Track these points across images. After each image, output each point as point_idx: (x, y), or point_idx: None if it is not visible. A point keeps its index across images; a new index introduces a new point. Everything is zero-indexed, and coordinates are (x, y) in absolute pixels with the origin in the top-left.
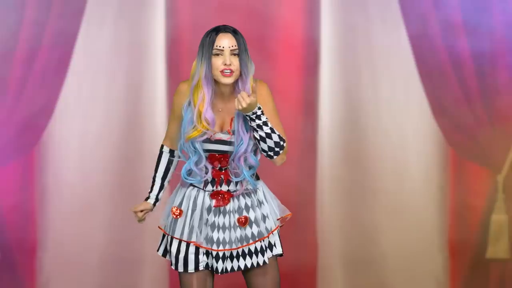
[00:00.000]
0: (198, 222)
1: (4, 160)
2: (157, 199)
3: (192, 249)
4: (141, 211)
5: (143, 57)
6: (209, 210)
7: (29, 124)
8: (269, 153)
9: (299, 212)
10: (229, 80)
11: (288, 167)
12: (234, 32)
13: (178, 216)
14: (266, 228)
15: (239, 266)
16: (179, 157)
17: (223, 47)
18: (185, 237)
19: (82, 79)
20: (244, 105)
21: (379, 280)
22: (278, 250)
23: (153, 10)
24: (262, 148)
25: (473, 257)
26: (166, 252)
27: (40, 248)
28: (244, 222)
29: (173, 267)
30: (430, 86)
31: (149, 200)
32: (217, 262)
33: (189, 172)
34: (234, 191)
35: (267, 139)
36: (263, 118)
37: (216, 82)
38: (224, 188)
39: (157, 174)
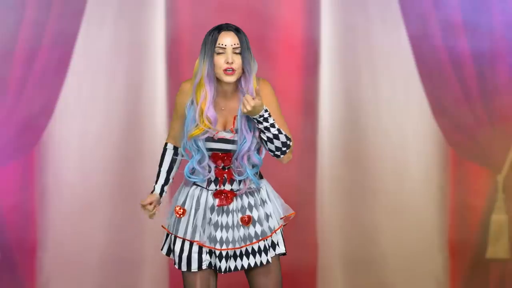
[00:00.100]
0: (201, 221)
1: (4, 160)
2: (162, 190)
3: (195, 248)
4: (150, 204)
5: (143, 57)
6: (212, 209)
7: (29, 124)
8: (276, 152)
9: (299, 212)
10: (231, 79)
11: (288, 167)
12: (237, 31)
13: (181, 215)
14: (269, 227)
15: (242, 265)
16: (182, 155)
17: (225, 45)
18: (188, 236)
19: (82, 79)
20: (249, 108)
21: (379, 280)
22: (281, 249)
23: (153, 10)
24: (269, 149)
25: (473, 257)
26: (170, 251)
27: (40, 248)
28: (247, 221)
29: (176, 266)
30: (430, 86)
31: (154, 192)
32: (220, 261)
33: (192, 171)
34: (237, 190)
35: (274, 140)
36: (270, 120)
37: (218, 80)
38: (227, 187)
39: (161, 169)
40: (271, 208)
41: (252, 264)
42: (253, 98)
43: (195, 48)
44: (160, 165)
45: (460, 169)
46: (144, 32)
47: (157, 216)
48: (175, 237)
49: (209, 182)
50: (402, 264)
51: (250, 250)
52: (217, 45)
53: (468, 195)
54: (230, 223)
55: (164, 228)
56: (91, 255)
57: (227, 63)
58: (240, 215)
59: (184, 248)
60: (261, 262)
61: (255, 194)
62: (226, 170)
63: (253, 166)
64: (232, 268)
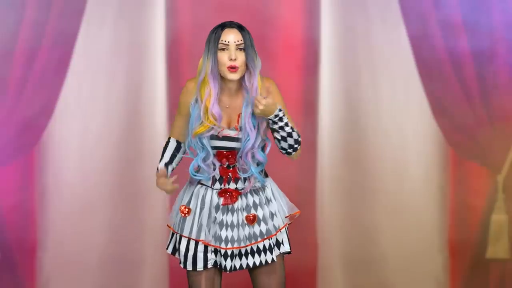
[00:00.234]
0: (206, 220)
1: (4, 160)
2: (167, 168)
3: (200, 247)
4: (163, 181)
5: (143, 57)
6: (217, 208)
7: (29, 124)
8: (289, 150)
9: None
10: (234, 76)
11: (288, 167)
12: (240, 28)
13: (186, 215)
14: (274, 226)
15: (247, 264)
16: (185, 152)
17: (228, 42)
18: (193, 236)
19: (82, 79)
20: (262, 107)
21: (379, 280)
22: (286, 248)
23: (153, 10)
24: (282, 147)
25: (473, 257)
26: (175, 250)
27: (40, 248)
28: (252, 220)
29: (181, 266)
30: (430, 86)
31: (158, 167)
32: (225, 260)
33: (197, 169)
34: (242, 189)
35: (288, 138)
36: (285, 120)
37: (222, 78)
38: (232, 186)
39: (165, 153)
40: (276, 206)
41: (257, 263)
42: (264, 98)
43: (195, 48)
44: (164, 150)
45: (460, 169)
46: (144, 32)
47: (157, 217)
48: (181, 236)
49: (214, 181)
50: (402, 264)
51: (255, 249)
52: (220, 42)
53: (468, 195)
54: (235, 222)
55: (169, 227)
56: (91, 255)
57: (231, 59)
58: (245, 213)
59: (190, 247)
60: (266, 261)
61: (260, 192)
62: (231, 169)
63: (258, 164)
64: (238, 267)
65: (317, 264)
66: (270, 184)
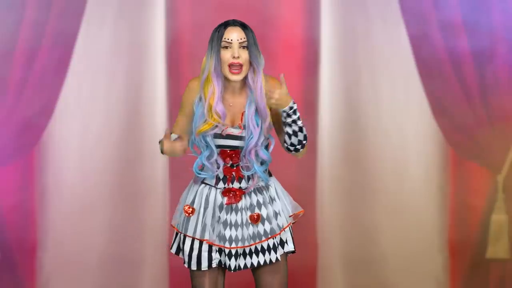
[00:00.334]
0: (210, 220)
1: (4, 160)
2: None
3: (205, 247)
4: (168, 142)
5: (143, 57)
6: (221, 207)
7: (29, 124)
8: (297, 146)
9: None
10: (237, 77)
11: (288, 167)
12: (243, 26)
13: (190, 214)
14: (278, 225)
15: (252, 263)
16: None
17: (231, 40)
18: (198, 235)
19: (82, 79)
20: (277, 96)
21: (379, 280)
22: (290, 247)
23: (153, 10)
24: (291, 143)
25: (473, 257)
26: (179, 250)
27: (40, 248)
28: (256, 219)
29: (186, 266)
30: (430, 86)
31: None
32: (229, 260)
33: (201, 168)
34: (246, 188)
35: (299, 133)
36: (297, 113)
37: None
38: (236, 185)
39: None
40: (279, 206)
41: (262, 262)
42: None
43: (195, 48)
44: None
45: (460, 169)
46: (144, 32)
47: (157, 217)
48: (185, 236)
49: (218, 180)
50: (402, 264)
51: (259, 248)
52: (223, 40)
53: (468, 195)
54: (239, 221)
55: (173, 227)
56: (91, 255)
57: (234, 57)
58: (249, 213)
59: (194, 247)
60: (270, 260)
61: (264, 192)
62: (234, 168)
63: (262, 162)
64: (242, 266)
65: (317, 264)
66: (274, 183)
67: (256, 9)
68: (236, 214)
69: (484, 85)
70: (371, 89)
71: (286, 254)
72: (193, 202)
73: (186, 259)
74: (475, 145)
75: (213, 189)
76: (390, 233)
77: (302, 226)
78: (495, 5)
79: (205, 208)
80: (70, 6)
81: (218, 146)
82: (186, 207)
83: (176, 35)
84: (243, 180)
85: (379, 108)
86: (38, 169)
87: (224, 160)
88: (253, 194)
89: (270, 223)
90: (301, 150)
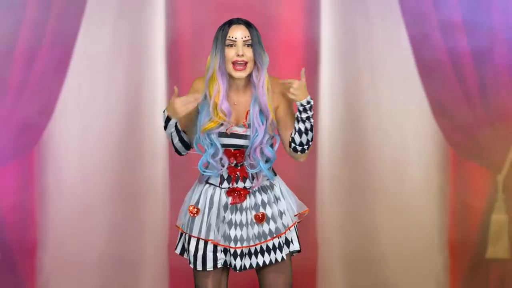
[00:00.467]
0: (215, 220)
1: (4, 160)
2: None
3: (210, 247)
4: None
5: (143, 57)
6: (225, 207)
7: (29, 124)
8: (305, 146)
9: None
10: (240, 74)
11: (288, 167)
12: (247, 24)
13: (195, 215)
14: (283, 224)
15: (257, 263)
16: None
17: (235, 38)
18: (203, 235)
19: (82, 79)
20: (296, 85)
21: (379, 280)
22: (295, 246)
23: (153, 10)
24: (301, 141)
25: (473, 257)
26: (183, 250)
27: (40, 248)
28: (261, 219)
29: (191, 266)
30: (430, 86)
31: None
32: (235, 260)
33: (206, 166)
34: (250, 187)
35: (309, 132)
36: (312, 111)
37: (230, 74)
38: (240, 185)
39: None
40: (284, 205)
41: (267, 262)
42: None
43: (195, 48)
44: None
45: (460, 169)
46: (144, 33)
47: (157, 217)
48: (190, 236)
49: (222, 180)
50: (402, 264)
51: (264, 248)
52: (227, 38)
53: (468, 195)
54: (244, 221)
55: (178, 227)
56: (91, 255)
57: (238, 55)
58: (253, 212)
59: (199, 247)
60: (275, 259)
61: (269, 191)
62: (239, 168)
63: (267, 160)
64: (247, 266)
65: (317, 264)
66: (278, 182)
67: (256, 9)
68: (241, 213)
69: (484, 85)
70: (371, 89)
71: (291, 253)
72: (197, 202)
73: (192, 260)
74: (475, 145)
75: (217, 189)
76: (390, 233)
77: (302, 226)
78: (495, 5)
79: (210, 208)
80: (70, 6)
81: (222, 145)
82: (191, 208)
83: (176, 35)
84: (248, 180)
85: (379, 108)
86: (38, 169)
87: (228, 159)
88: (257, 193)
89: (275, 222)
90: (306, 151)
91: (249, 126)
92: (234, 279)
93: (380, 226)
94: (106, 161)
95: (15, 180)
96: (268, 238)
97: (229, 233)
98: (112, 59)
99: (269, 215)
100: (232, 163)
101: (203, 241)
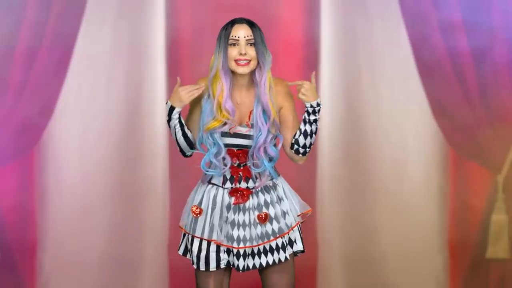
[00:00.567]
0: (218, 220)
1: (4, 160)
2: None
3: (213, 247)
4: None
5: (143, 57)
6: (228, 207)
7: (29, 124)
8: (307, 149)
9: None
10: (244, 70)
11: (288, 167)
12: (250, 24)
13: (198, 215)
14: (286, 225)
15: (260, 263)
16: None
17: (238, 37)
18: (206, 236)
19: (82, 79)
20: (307, 86)
21: (379, 280)
22: (299, 246)
23: (153, 11)
24: (304, 143)
25: (473, 257)
26: (186, 251)
27: (40, 248)
28: (264, 219)
29: (194, 266)
30: (430, 86)
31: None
32: (238, 260)
33: (209, 165)
34: (253, 187)
35: (313, 135)
36: (319, 114)
37: (234, 73)
38: (243, 185)
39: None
40: (287, 205)
41: (271, 262)
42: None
43: (195, 48)
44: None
45: (460, 169)
46: (144, 33)
47: (157, 217)
48: (193, 237)
49: (225, 180)
50: (402, 264)
51: (268, 248)
52: (230, 37)
53: (468, 195)
54: (247, 221)
55: (181, 228)
56: (91, 255)
57: (241, 54)
58: (256, 212)
59: (202, 247)
60: (279, 260)
61: (272, 191)
62: (242, 168)
63: (270, 159)
64: (250, 266)
65: (317, 264)
66: (281, 182)
67: (256, 9)
68: (244, 214)
69: (484, 85)
70: (371, 89)
71: (294, 254)
72: (200, 202)
73: (195, 260)
74: (475, 145)
75: (220, 189)
76: (390, 233)
77: (302, 226)
78: (495, 5)
79: (213, 209)
80: (70, 6)
81: (225, 145)
82: (194, 208)
83: (176, 35)
84: (251, 180)
85: (379, 108)
86: (38, 169)
87: (231, 159)
88: (260, 193)
89: (278, 222)
90: (307, 154)
91: (252, 126)
92: (236, 279)
93: (380, 226)
94: (106, 161)
95: (15, 180)
96: (271, 238)
97: (232, 234)
98: (112, 59)
99: (272, 215)
100: (235, 163)
101: (206, 241)
